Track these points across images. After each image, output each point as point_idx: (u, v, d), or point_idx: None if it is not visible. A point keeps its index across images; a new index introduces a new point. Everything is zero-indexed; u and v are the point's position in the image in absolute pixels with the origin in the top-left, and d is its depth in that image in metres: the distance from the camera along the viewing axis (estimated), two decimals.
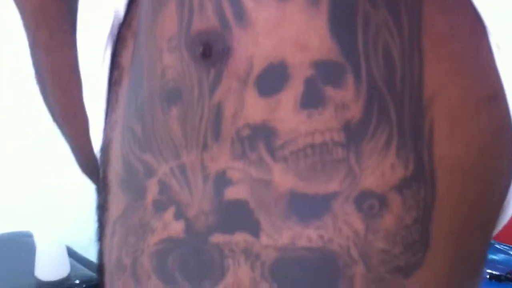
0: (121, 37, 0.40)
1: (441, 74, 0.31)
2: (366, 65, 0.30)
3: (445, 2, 0.31)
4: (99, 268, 0.40)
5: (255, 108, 0.32)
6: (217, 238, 0.33)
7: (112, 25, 0.39)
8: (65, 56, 0.45)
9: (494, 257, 1.37)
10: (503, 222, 0.37)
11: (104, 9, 0.39)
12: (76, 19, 0.42)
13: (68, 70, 0.45)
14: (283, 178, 0.31)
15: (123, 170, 0.37)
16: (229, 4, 0.32)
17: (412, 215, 0.31)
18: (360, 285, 0.31)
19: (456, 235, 0.32)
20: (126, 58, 0.39)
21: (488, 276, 1.27)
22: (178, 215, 0.34)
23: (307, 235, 0.31)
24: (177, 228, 0.34)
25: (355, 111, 0.30)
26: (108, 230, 0.38)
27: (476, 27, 0.31)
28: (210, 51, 0.32)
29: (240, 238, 0.32)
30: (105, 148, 0.40)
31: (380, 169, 0.30)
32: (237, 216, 0.32)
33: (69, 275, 1.29)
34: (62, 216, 1.44)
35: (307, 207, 0.31)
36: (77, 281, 1.27)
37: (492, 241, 1.41)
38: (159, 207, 0.35)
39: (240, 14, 0.32)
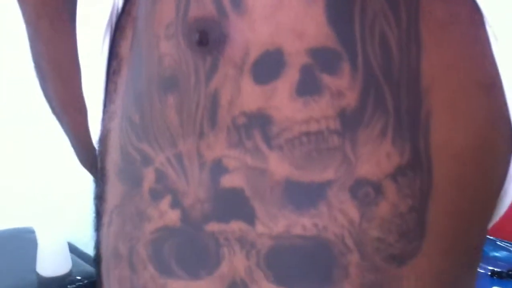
0: (119, 27, 0.40)
1: (439, 63, 0.31)
2: (362, 53, 0.30)
3: None
4: (96, 258, 0.40)
5: (251, 96, 0.32)
6: (213, 226, 0.33)
7: (111, 15, 0.39)
8: (65, 46, 0.45)
9: (496, 254, 1.37)
10: (500, 212, 0.36)
11: None
12: (75, 8, 0.42)
13: (68, 61, 0.45)
14: (279, 166, 0.31)
15: (121, 160, 0.37)
16: None
17: (408, 203, 0.31)
18: (354, 273, 0.31)
19: (452, 224, 0.32)
20: (124, 48, 0.39)
21: (489, 273, 1.27)
22: (174, 204, 0.34)
23: (302, 224, 0.31)
24: (173, 217, 0.34)
25: (351, 99, 0.30)
26: (106, 220, 0.38)
27: (474, 17, 0.31)
28: (207, 39, 0.32)
29: (236, 226, 0.32)
30: (103, 138, 0.40)
31: (375, 157, 0.30)
32: (233, 205, 0.32)
33: (70, 271, 1.29)
34: (64, 212, 1.44)
35: (302, 195, 0.31)
36: (79, 277, 1.28)
37: (494, 238, 1.41)
38: (156, 195, 0.35)
39: (237, 2, 0.32)
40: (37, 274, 1.27)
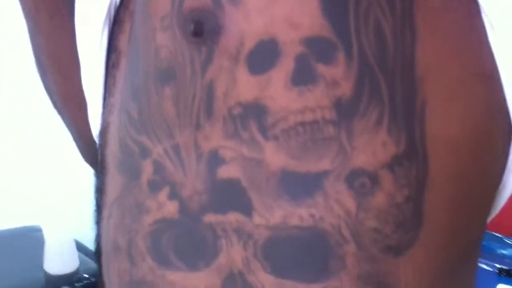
0: (118, 20, 0.40)
1: (434, 51, 0.30)
2: (357, 42, 0.30)
3: None
4: (97, 251, 0.40)
5: (246, 86, 0.32)
6: (210, 217, 0.33)
7: (109, 9, 0.40)
8: (64, 40, 0.45)
9: (504, 251, 1.36)
10: (499, 205, 0.36)
11: None
12: (74, 2, 0.42)
13: (68, 55, 0.45)
14: (275, 157, 0.31)
15: (120, 152, 0.37)
16: None
17: (404, 194, 0.30)
18: (351, 264, 0.31)
19: (449, 215, 0.32)
20: (123, 41, 0.39)
21: (497, 271, 1.26)
22: (172, 195, 0.34)
23: (299, 214, 0.31)
24: (171, 208, 0.34)
25: (346, 89, 0.30)
26: (105, 213, 0.39)
27: (469, 5, 0.31)
28: (202, 29, 0.32)
29: (233, 217, 0.32)
30: (103, 132, 0.40)
31: (371, 147, 0.30)
32: (230, 196, 0.32)
33: (78, 268, 1.29)
34: (70, 210, 1.44)
35: (298, 186, 0.31)
36: (86, 275, 1.28)
37: (502, 236, 1.40)
38: (154, 187, 0.35)
39: None
40: (45, 272, 1.27)
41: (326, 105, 0.30)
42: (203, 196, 0.33)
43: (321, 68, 0.30)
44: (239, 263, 0.33)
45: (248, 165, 0.32)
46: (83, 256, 1.33)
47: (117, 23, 0.40)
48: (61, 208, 1.47)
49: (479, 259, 1.26)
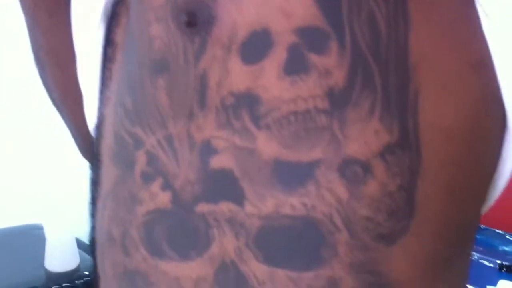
0: (114, 15, 0.40)
1: (427, 39, 0.30)
2: (350, 31, 0.30)
3: None
4: (91, 243, 0.41)
5: (239, 76, 0.32)
6: (202, 207, 0.33)
7: (106, 3, 0.40)
8: (62, 35, 0.45)
9: (505, 248, 1.36)
10: (494, 196, 0.36)
11: None
12: None
13: (66, 50, 0.45)
14: (267, 146, 0.31)
15: (115, 144, 0.37)
16: None
17: (397, 182, 0.30)
18: (343, 252, 0.31)
19: (443, 204, 0.32)
20: (119, 35, 0.39)
21: (498, 267, 1.26)
22: (165, 186, 0.34)
23: (291, 203, 0.31)
24: (164, 199, 0.34)
25: (338, 78, 0.30)
26: (100, 205, 0.39)
27: None
28: (195, 20, 0.32)
29: (225, 207, 0.32)
30: (99, 125, 0.40)
31: (363, 136, 0.30)
32: (222, 185, 0.32)
33: (78, 266, 1.30)
34: (71, 208, 1.45)
35: (290, 175, 0.31)
36: (87, 272, 1.29)
37: (503, 232, 1.40)
38: (147, 178, 0.35)
39: None
40: (46, 270, 1.28)
41: (318, 94, 0.30)
42: (195, 186, 0.33)
43: (313, 57, 0.30)
44: (231, 253, 0.33)
45: (241, 154, 0.32)
46: (83, 253, 1.33)
47: (113, 17, 0.40)
48: (62, 207, 1.47)
49: (481, 256, 1.26)
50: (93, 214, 0.40)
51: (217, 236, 0.33)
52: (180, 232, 0.34)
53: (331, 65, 0.30)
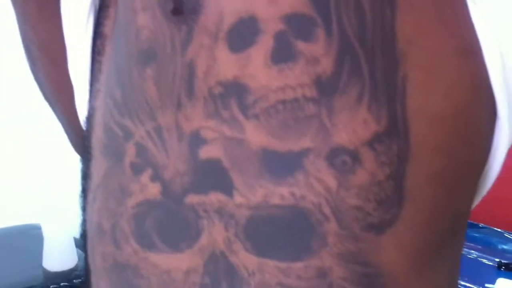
0: (103, 6, 0.40)
1: (414, 26, 0.30)
2: (337, 18, 0.30)
3: None
4: (82, 236, 0.40)
5: (226, 65, 0.31)
6: (192, 198, 0.33)
7: None
8: (53, 28, 0.45)
9: (504, 246, 1.36)
10: (486, 187, 0.36)
11: None
12: None
13: (56, 44, 0.45)
14: (255, 136, 0.31)
15: (104, 136, 0.37)
16: None
17: (385, 171, 0.30)
18: (333, 242, 0.30)
19: (433, 192, 0.31)
20: (108, 27, 0.39)
21: (497, 265, 1.26)
22: (155, 177, 0.34)
23: (280, 193, 0.31)
24: (153, 190, 0.34)
25: (326, 66, 0.30)
26: (90, 197, 0.38)
27: None
28: (182, 8, 0.32)
29: (214, 198, 0.32)
30: (89, 117, 0.40)
31: (352, 125, 0.30)
32: (211, 176, 0.32)
33: (76, 265, 1.30)
34: (69, 209, 1.45)
35: (279, 165, 0.31)
36: None
37: (502, 231, 1.40)
38: (136, 169, 0.35)
39: None
40: (44, 269, 1.28)
41: (306, 82, 0.30)
42: (185, 177, 0.33)
43: (300, 45, 0.30)
44: (221, 244, 0.32)
45: (229, 144, 0.32)
46: (82, 253, 1.33)
47: (102, 9, 0.40)
48: (60, 207, 1.47)
49: (480, 254, 1.26)
50: (84, 207, 0.40)
51: (207, 227, 0.33)
52: (170, 223, 0.34)
53: (319, 52, 0.30)
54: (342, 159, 0.30)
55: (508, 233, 1.38)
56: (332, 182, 0.30)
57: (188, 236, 0.33)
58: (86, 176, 0.40)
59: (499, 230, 1.41)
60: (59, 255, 1.28)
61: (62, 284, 1.25)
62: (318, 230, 0.30)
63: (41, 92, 0.51)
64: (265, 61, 0.31)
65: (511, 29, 0.31)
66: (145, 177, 0.34)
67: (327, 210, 0.30)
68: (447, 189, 0.32)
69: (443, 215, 0.33)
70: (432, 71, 0.30)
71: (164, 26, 0.33)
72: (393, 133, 0.30)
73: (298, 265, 0.31)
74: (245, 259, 0.32)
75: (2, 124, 1.46)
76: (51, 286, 1.24)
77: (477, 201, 0.37)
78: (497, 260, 1.27)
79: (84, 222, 0.40)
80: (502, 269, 1.25)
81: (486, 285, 1.19)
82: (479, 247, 1.34)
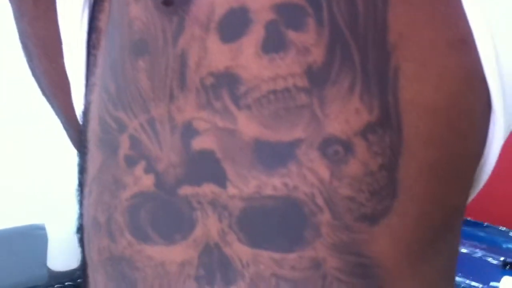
0: (97, 0, 0.40)
1: (406, 17, 0.30)
2: (327, 7, 0.30)
3: None
4: (79, 230, 0.41)
5: (217, 55, 0.31)
6: (185, 190, 0.33)
7: None
8: (49, 24, 0.45)
9: (509, 245, 1.35)
10: (482, 181, 0.36)
11: None
12: None
13: (53, 39, 0.45)
14: (248, 126, 0.31)
15: (99, 130, 0.37)
16: None
17: (378, 161, 0.30)
18: (326, 233, 0.30)
19: (426, 183, 0.31)
20: (103, 21, 0.39)
21: (502, 264, 1.26)
22: (148, 169, 0.34)
23: (272, 184, 0.31)
24: (147, 182, 0.34)
25: (317, 55, 0.30)
26: (86, 191, 0.39)
27: None
28: None
29: (208, 189, 0.32)
30: (85, 111, 0.40)
31: (344, 115, 0.30)
32: (204, 167, 0.32)
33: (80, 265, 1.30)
34: (73, 208, 1.45)
35: (272, 155, 0.31)
36: None
37: (507, 230, 1.39)
38: (130, 162, 0.35)
39: None
40: (48, 269, 1.29)
41: (297, 72, 0.30)
42: (178, 168, 0.33)
43: (291, 34, 0.30)
44: (215, 235, 0.32)
45: (222, 135, 0.32)
46: None
47: (96, 3, 0.40)
48: (63, 206, 1.47)
49: (485, 253, 1.25)
50: (80, 201, 0.40)
51: (201, 219, 0.33)
52: (164, 215, 0.34)
53: (309, 42, 0.30)
54: (335, 149, 0.30)
55: None
56: (324, 173, 0.30)
57: (182, 228, 0.33)
58: (82, 170, 0.40)
59: (503, 229, 1.40)
60: (63, 254, 1.29)
61: (66, 283, 1.25)
62: (311, 220, 0.30)
63: (39, 87, 0.52)
64: (256, 51, 0.31)
65: (504, 20, 0.31)
66: (139, 169, 0.34)
67: (320, 200, 0.30)
68: (440, 182, 0.32)
69: (437, 208, 0.32)
70: (424, 63, 0.30)
71: (155, 17, 0.33)
72: (386, 124, 0.30)
73: (292, 256, 0.31)
74: (239, 250, 0.32)
75: (2, 124, 1.47)
76: (55, 286, 1.25)
77: (473, 195, 0.37)
78: (502, 259, 1.26)
79: (80, 216, 0.40)
80: (507, 268, 1.24)
81: (491, 283, 1.19)
82: (484, 246, 1.33)
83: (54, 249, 1.29)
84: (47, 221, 1.39)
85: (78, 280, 1.26)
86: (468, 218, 1.39)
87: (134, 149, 0.34)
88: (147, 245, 0.34)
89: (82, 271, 0.40)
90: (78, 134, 0.48)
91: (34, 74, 0.50)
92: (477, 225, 1.42)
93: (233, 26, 0.31)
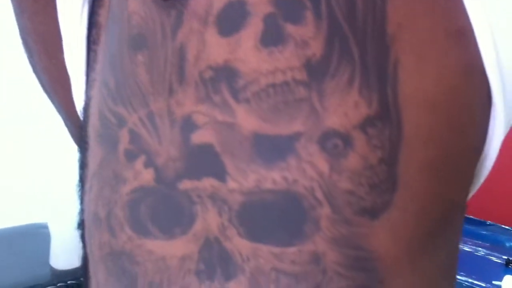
0: None
1: (405, 10, 0.30)
2: (326, 0, 0.30)
3: None
4: (80, 225, 0.41)
5: (216, 49, 0.31)
6: (185, 184, 0.33)
7: None
8: (49, 20, 0.45)
9: None
10: (483, 176, 0.36)
11: None
12: None
13: (53, 34, 0.45)
14: (247, 120, 0.31)
15: (99, 125, 0.37)
16: None
17: (377, 155, 0.30)
18: (326, 227, 0.30)
19: (426, 178, 0.31)
20: (103, 16, 0.39)
21: (504, 262, 1.25)
22: (148, 164, 0.34)
23: (272, 178, 0.31)
24: (147, 176, 0.34)
25: (315, 49, 0.30)
26: (87, 186, 0.39)
27: None
28: None
29: (207, 183, 0.32)
30: (86, 107, 0.41)
31: (343, 108, 0.30)
32: (204, 161, 0.32)
33: None
34: (76, 206, 1.45)
35: (271, 149, 0.31)
36: None
37: (510, 228, 1.39)
38: (130, 156, 0.35)
39: None
40: (51, 267, 1.29)
41: (296, 65, 0.30)
42: (177, 163, 0.33)
43: (289, 27, 0.30)
44: (215, 230, 0.32)
45: (221, 129, 0.32)
46: None
47: None
48: (66, 205, 1.48)
49: (488, 251, 1.25)
50: (81, 197, 0.41)
51: (201, 213, 0.33)
52: (164, 210, 0.34)
53: (308, 35, 0.30)
54: (334, 143, 0.30)
55: None
56: (324, 166, 0.30)
57: (183, 222, 0.33)
58: (83, 165, 0.40)
59: (507, 227, 1.40)
60: (66, 253, 1.29)
61: (69, 282, 1.25)
62: (311, 214, 0.30)
63: (39, 84, 0.52)
64: (255, 45, 0.31)
65: (504, 13, 0.30)
66: (138, 164, 0.34)
67: (319, 194, 0.30)
68: (440, 174, 0.32)
69: (437, 203, 0.32)
70: (423, 55, 0.30)
71: (153, 11, 0.33)
72: (385, 118, 0.30)
73: (292, 250, 0.31)
74: (239, 244, 0.32)
75: (2, 124, 1.47)
76: (58, 284, 1.25)
77: (473, 190, 0.37)
78: (505, 257, 1.26)
79: (81, 212, 0.40)
80: (510, 267, 1.24)
81: (494, 282, 1.19)
82: (487, 244, 1.33)
83: (57, 247, 1.29)
84: (50, 220, 1.39)
85: (81, 279, 1.26)
86: (472, 217, 1.39)
87: (133, 143, 0.34)
88: (147, 240, 0.34)
89: (83, 266, 0.40)
90: (79, 130, 0.48)
91: (35, 70, 0.50)
92: (480, 223, 1.41)
93: (231, 19, 0.31)
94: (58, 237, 1.29)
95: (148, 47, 0.33)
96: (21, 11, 0.46)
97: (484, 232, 1.39)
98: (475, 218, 1.41)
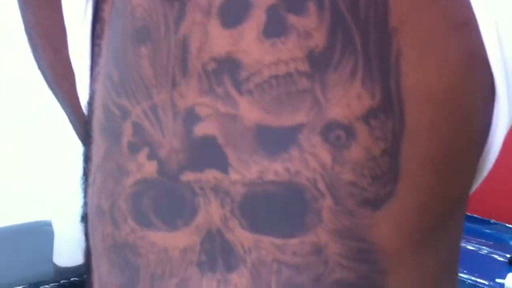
0: None
1: (407, 1, 0.30)
2: None
3: None
4: (83, 218, 0.41)
5: (219, 40, 0.31)
6: (188, 176, 0.33)
7: None
8: (53, 14, 0.45)
9: None
10: (485, 170, 0.36)
11: None
12: None
13: (57, 29, 0.45)
14: (249, 112, 0.31)
15: (103, 117, 0.37)
16: None
17: (380, 147, 0.30)
18: (328, 218, 0.30)
19: (428, 170, 0.31)
20: (106, 11, 0.39)
21: (508, 261, 1.25)
22: (151, 156, 0.34)
23: (274, 169, 0.31)
24: (150, 168, 0.34)
25: (318, 40, 0.30)
26: (91, 179, 0.39)
27: None
28: None
29: (210, 175, 0.32)
30: (90, 101, 0.41)
31: (345, 99, 0.30)
32: (206, 153, 0.32)
33: None
34: (79, 204, 1.46)
35: (273, 140, 0.31)
36: None
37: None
38: (133, 148, 0.35)
39: None
40: (54, 265, 1.29)
41: (299, 57, 0.30)
42: (180, 154, 0.33)
43: (292, 19, 0.30)
44: (217, 221, 0.32)
45: (224, 121, 0.32)
46: None
47: None
48: (69, 202, 1.48)
49: (491, 250, 1.25)
50: (85, 190, 0.41)
51: (203, 205, 0.33)
52: (166, 201, 0.34)
53: (311, 26, 0.30)
54: (336, 134, 0.30)
55: None
56: (326, 158, 0.30)
57: (185, 214, 0.33)
58: (87, 159, 0.40)
59: (510, 226, 1.39)
60: (69, 250, 1.29)
61: (72, 279, 1.25)
62: (313, 206, 0.30)
63: (44, 79, 0.52)
64: (257, 36, 0.31)
65: (508, 4, 0.30)
66: (142, 156, 0.34)
67: (322, 185, 0.30)
68: (442, 167, 0.32)
69: (439, 195, 0.32)
70: (426, 47, 0.30)
71: (157, 3, 0.33)
72: (388, 110, 0.30)
73: (294, 241, 0.31)
74: (241, 236, 0.32)
75: (2, 124, 1.48)
76: (61, 281, 1.25)
77: (476, 184, 0.37)
78: (508, 256, 1.25)
79: (85, 205, 0.40)
80: None
81: (497, 280, 1.18)
82: (490, 243, 1.33)
83: (60, 245, 1.29)
84: (54, 217, 1.39)
85: (84, 276, 1.27)
86: (476, 215, 1.39)
87: (137, 135, 0.35)
88: (150, 231, 0.34)
89: (85, 260, 0.40)
90: (83, 125, 0.49)
91: (39, 65, 0.50)
92: (484, 222, 1.41)
93: (234, 11, 0.31)
94: (62, 234, 1.29)
95: (151, 40, 0.34)
96: (26, 6, 0.46)
97: (488, 231, 1.39)
98: (479, 217, 1.40)
